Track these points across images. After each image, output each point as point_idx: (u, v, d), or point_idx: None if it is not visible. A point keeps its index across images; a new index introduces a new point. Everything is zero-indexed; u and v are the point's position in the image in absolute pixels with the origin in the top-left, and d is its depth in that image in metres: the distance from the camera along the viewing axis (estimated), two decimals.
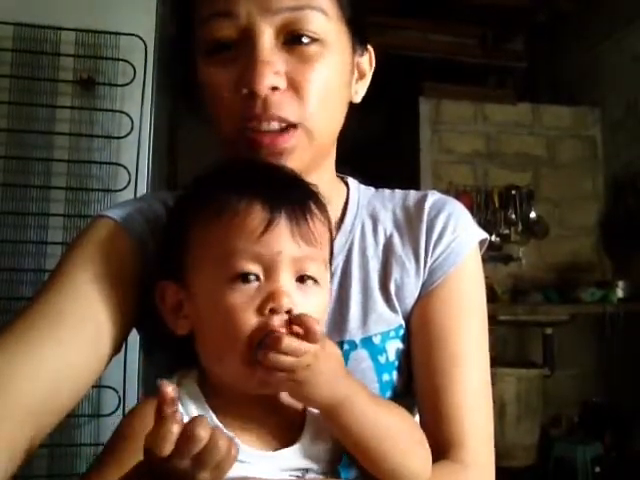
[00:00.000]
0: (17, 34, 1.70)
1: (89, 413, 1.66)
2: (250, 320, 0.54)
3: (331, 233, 0.63)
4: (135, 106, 1.76)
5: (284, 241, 0.55)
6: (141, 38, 1.75)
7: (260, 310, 0.54)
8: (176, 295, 0.59)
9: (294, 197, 0.58)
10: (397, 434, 0.58)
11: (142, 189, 1.76)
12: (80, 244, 0.66)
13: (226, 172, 0.61)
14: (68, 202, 1.72)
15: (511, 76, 4.06)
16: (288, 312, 0.54)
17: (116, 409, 1.63)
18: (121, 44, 1.76)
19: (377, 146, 3.91)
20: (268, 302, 0.54)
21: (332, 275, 0.69)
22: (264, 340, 0.52)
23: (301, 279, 0.57)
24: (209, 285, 0.56)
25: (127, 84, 1.75)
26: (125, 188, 1.72)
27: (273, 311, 0.54)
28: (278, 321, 0.53)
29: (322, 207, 0.61)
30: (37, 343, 0.57)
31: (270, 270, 0.55)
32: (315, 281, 0.58)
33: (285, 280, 0.55)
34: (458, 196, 3.27)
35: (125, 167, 1.74)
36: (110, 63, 1.76)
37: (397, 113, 3.89)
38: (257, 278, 0.55)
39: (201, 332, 0.58)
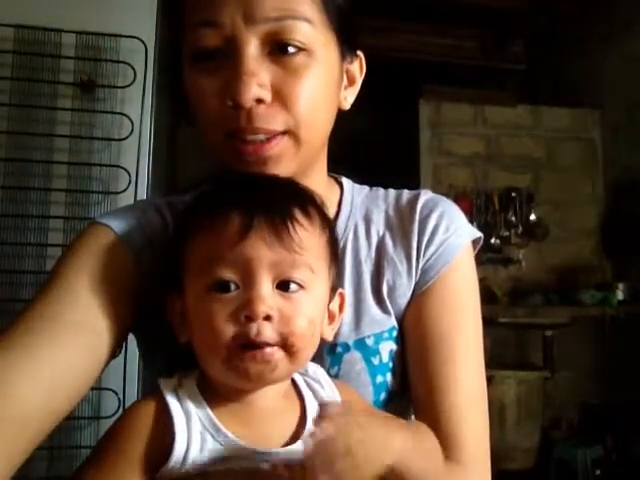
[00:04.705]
0: (18, 36, 1.71)
1: (89, 415, 1.66)
2: (227, 328, 0.55)
3: (329, 236, 0.63)
4: (135, 108, 1.76)
5: (260, 248, 0.56)
6: (141, 40, 1.76)
7: (235, 317, 0.55)
8: (178, 306, 0.61)
9: (275, 205, 0.58)
10: (432, 462, 0.62)
11: (142, 191, 1.76)
12: (76, 250, 0.66)
13: (215, 185, 0.63)
14: (68, 204, 1.73)
15: (511, 78, 4.06)
16: (267, 318, 0.54)
17: (116, 411, 1.63)
18: (121, 46, 1.76)
19: (377, 148, 3.91)
20: (243, 309, 0.55)
21: (339, 277, 0.69)
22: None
23: (283, 285, 0.57)
24: (194, 293, 0.58)
25: (127, 86, 1.75)
26: (125, 190, 1.72)
27: (249, 318, 0.54)
28: (254, 328, 0.54)
29: (310, 213, 0.60)
30: (35, 346, 0.57)
31: (247, 278, 0.56)
32: (300, 286, 0.58)
33: (262, 287, 0.55)
34: (458, 198, 3.28)
35: (125, 169, 1.74)
36: (110, 65, 1.76)
37: (397, 116, 3.89)
38: (237, 287, 0.56)
39: (193, 338, 0.60)
